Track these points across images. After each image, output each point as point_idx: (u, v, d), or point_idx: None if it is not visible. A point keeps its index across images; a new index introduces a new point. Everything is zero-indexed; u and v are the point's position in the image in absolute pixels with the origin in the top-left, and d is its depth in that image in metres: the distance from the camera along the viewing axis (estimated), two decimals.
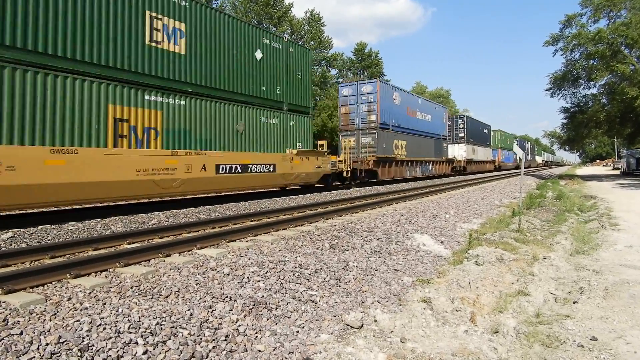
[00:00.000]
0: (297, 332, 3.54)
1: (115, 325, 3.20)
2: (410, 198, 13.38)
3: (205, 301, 3.88)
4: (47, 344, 2.87)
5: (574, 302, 4.38)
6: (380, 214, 9.51)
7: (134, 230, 6.97)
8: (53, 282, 4.22)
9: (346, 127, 23.00)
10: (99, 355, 2.82)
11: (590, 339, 3.48)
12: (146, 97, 10.03)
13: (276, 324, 3.63)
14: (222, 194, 14.25)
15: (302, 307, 4.02)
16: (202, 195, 13.28)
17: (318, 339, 3.45)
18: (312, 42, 48.10)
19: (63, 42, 8.47)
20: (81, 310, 3.51)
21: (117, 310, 3.49)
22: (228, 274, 4.65)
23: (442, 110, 32.81)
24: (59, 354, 2.78)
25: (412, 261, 6.06)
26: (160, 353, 2.93)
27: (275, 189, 16.51)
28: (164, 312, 3.53)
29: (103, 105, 9.07)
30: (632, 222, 9.12)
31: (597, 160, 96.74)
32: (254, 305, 3.89)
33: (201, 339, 3.18)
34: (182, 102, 10.92)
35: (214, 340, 3.20)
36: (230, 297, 4.00)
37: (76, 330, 3.10)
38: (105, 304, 3.67)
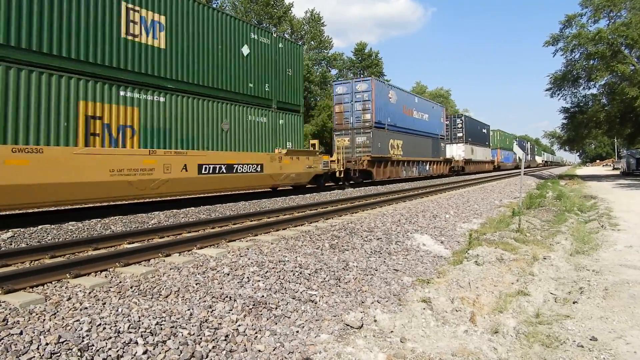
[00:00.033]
0: (297, 332, 3.54)
1: (115, 325, 3.20)
2: (410, 198, 13.38)
3: (205, 301, 3.88)
4: (47, 344, 2.87)
5: (573, 302, 4.38)
6: (380, 214, 9.51)
7: (134, 230, 6.97)
8: (53, 282, 4.22)
9: (340, 127, 22.48)
10: (98, 355, 2.82)
11: (590, 339, 3.48)
12: (122, 93, 9.48)
13: (276, 323, 3.63)
14: (208, 195, 13.69)
15: (302, 307, 4.02)
16: (184, 197, 12.80)
17: (318, 338, 3.45)
18: (312, 42, 48.12)
19: (28, 33, 7.90)
20: (81, 310, 3.51)
21: (117, 310, 3.49)
22: (228, 274, 4.65)
23: (440, 110, 32.39)
24: (58, 354, 2.78)
25: (412, 261, 6.06)
26: (160, 353, 2.93)
27: (263, 190, 16.04)
28: (164, 312, 3.53)
29: (73, 101, 8.51)
30: (632, 222, 9.12)
31: (597, 161, 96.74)
32: (253, 305, 3.89)
33: (201, 338, 3.18)
34: (162, 99, 10.38)
35: (213, 340, 3.20)
36: (230, 297, 4.00)
37: (76, 330, 3.10)
38: (105, 303, 3.67)
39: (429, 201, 12.77)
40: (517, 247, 6.69)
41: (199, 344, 3.11)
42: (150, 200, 12.78)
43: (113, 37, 9.40)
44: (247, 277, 4.59)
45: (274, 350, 3.20)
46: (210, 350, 3.06)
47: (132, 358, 2.85)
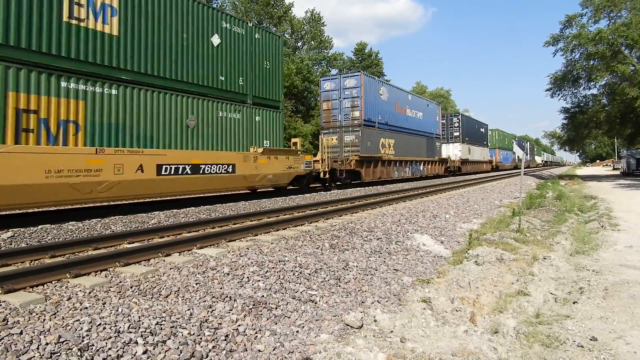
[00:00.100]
0: (297, 331, 3.54)
1: (115, 325, 3.20)
2: (410, 198, 13.38)
3: (205, 301, 3.88)
4: (47, 344, 2.87)
5: (573, 302, 4.38)
6: (380, 214, 9.51)
7: (134, 230, 6.97)
8: (53, 282, 4.22)
9: (328, 125, 21.30)
10: (98, 355, 2.82)
11: (590, 339, 3.48)
12: (63, 84, 8.43)
13: (276, 323, 3.63)
14: (171, 198, 12.78)
15: (302, 306, 4.02)
16: (141, 200, 11.87)
17: (318, 338, 3.45)
18: (312, 42, 48.12)
19: None
20: (81, 309, 3.51)
21: (117, 310, 3.49)
22: (228, 274, 4.65)
23: (435, 108, 31.49)
24: (58, 354, 2.78)
25: (412, 261, 6.06)
26: (160, 353, 2.93)
27: (238, 192, 15.16)
28: (164, 312, 3.53)
29: (0, 92, 7.57)
30: (632, 223, 9.12)
31: (597, 161, 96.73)
32: (253, 305, 3.89)
33: (201, 338, 3.18)
34: (114, 92, 9.35)
35: (213, 340, 3.20)
36: (230, 297, 4.00)
37: (76, 329, 3.10)
38: (105, 303, 3.67)
39: (429, 201, 12.77)
40: (517, 247, 6.69)
41: (199, 344, 3.11)
42: (150, 200, 12.76)
43: (52, 21, 8.31)
44: (247, 277, 4.59)
45: (274, 350, 3.20)
46: (210, 350, 3.06)
47: (132, 358, 2.85)
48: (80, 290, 3.99)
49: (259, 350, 3.17)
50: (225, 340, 3.22)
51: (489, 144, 46.41)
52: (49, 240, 6.52)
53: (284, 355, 3.14)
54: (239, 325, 3.48)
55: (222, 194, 14.65)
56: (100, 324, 3.20)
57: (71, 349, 2.83)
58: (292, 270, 4.91)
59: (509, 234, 7.66)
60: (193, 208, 10.54)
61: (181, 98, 10.95)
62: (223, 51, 12.27)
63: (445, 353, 3.22)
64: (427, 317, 3.93)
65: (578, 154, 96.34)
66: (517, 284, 5.06)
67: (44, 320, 3.27)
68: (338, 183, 19.21)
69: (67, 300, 3.73)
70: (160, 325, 3.28)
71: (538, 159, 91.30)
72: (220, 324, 3.46)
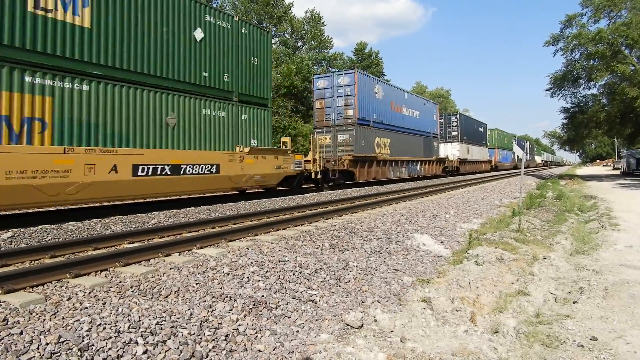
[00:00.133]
0: (297, 331, 3.54)
1: (115, 325, 3.20)
2: (410, 198, 13.39)
3: (205, 301, 3.88)
4: (47, 344, 2.87)
5: (574, 302, 4.38)
6: (380, 214, 9.51)
7: (134, 230, 6.97)
8: (53, 282, 4.22)
9: (321, 124, 20.71)
10: (98, 355, 2.82)
11: (590, 339, 3.48)
12: (27, 79, 7.91)
13: (276, 323, 3.63)
14: (152, 200, 12.09)
15: (302, 306, 4.02)
16: (118, 202, 11.09)
17: (318, 338, 3.45)
18: (312, 42, 48.11)
19: None
20: (81, 309, 3.51)
21: (117, 310, 3.49)
22: (228, 274, 4.65)
23: (433, 107, 30.95)
24: (58, 354, 2.78)
25: (412, 261, 6.07)
26: (160, 353, 2.93)
27: (225, 194, 14.52)
28: (164, 312, 3.53)
29: None
30: (632, 222, 9.12)
31: (597, 161, 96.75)
32: (253, 304, 3.89)
33: (201, 338, 3.18)
34: (86, 87, 8.79)
35: (213, 339, 3.20)
36: (230, 297, 4.00)
37: (76, 329, 3.10)
38: (105, 303, 3.67)
39: (428, 201, 12.78)
40: (517, 247, 6.69)
41: (199, 344, 3.11)
42: (150, 200, 12.75)
43: (16, 11, 7.81)
44: (247, 277, 4.59)
45: (274, 350, 3.20)
46: (210, 350, 3.06)
47: (132, 358, 2.85)
48: (80, 290, 3.99)
49: (259, 350, 3.17)
50: (225, 340, 3.22)
51: (488, 144, 46.03)
52: (49, 240, 6.52)
53: (284, 355, 3.14)
54: (239, 325, 3.48)
55: (221, 194, 14.60)
56: (100, 324, 3.20)
57: (71, 349, 2.83)
58: (292, 270, 4.91)
59: (509, 233, 7.66)
60: (193, 208, 10.54)
61: (160, 95, 10.39)
62: (206, 46, 11.69)
63: (446, 353, 3.22)
64: (427, 317, 3.93)
65: (578, 153, 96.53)
66: (517, 284, 5.06)
67: (44, 320, 3.27)
68: (331, 184, 18.63)
69: (67, 300, 3.73)
70: (160, 325, 3.28)
71: (538, 159, 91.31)
72: (220, 323, 3.46)
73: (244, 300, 3.96)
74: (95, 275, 4.56)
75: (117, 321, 3.27)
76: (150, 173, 9.75)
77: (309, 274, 4.88)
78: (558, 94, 29.77)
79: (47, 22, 8.23)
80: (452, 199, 13.44)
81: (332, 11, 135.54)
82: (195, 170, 10.91)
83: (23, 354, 2.75)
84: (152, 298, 3.88)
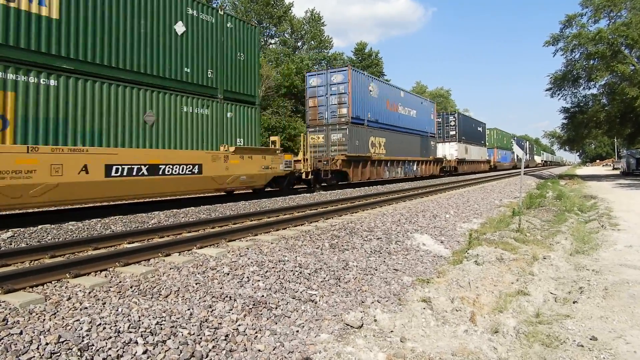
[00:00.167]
0: (297, 331, 3.54)
1: (115, 325, 3.20)
2: (410, 198, 13.39)
3: (205, 301, 3.88)
4: (46, 344, 2.87)
5: (573, 302, 4.38)
6: (380, 214, 9.51)
7: (134, 230, 6.97)
8: (53, 282, 4.22)
9: (314, 122, 20.13)
10: (98, 355, 2.81)
11: (590, 339, 3.48)
12: None
13: (276, 323, 3.63)
14: (128, 201, 11.52)
15: (302, 306, 4.02)
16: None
17: (318, 338, 3.45)
18: (312, 42, 48.12)
19: None
20: (81, 309, 3.51)
21: (117, 310, 3.49)
22: (228, 274, 4.65)
23: (430, 106, 30.40)
24: (58, 354, 2.77)
25: (412, 261, 6.07)
26: (160, 352, 2.93)
27: (212, 195, 13.92)
28: (164, 312, 3.53)
29: None
30: (632, 222, 9.12)
31: (597, 160, 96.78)
32: (253, 304, 3.89)
33: (201, 338, 3.18)
34: (53, 82, 8.26)
35: (213, 339, 3.20)
36: (230, 297, 4.00)
37: (76, 329, 3.10)
38: (105, 303, 3.67)
39: (428, 201, 12.78)
40: (517, 247, 6.69)
41: (199, 344, 3.11)
42: (149, 200, 12.75)
43: None
44: (247, 277, 4.59)
45: (274, 349, 3.20)
46: (210, 350, 3.06)
47: (132, 358, 2.85)
48: (80, 290, 3.99)
49: (259, 350, 3.17)
50: (225, 340, 3.22)
51: (487, 144, 45.67)
52: (48, 240, 6.52)
53: (284, 355, 3.14)
54: (239, 325, 3.48)
55: (222, 194, 14.58)
56: (100, 324, 3.20)
57: (71, 349, 2.83)
58: (292, 270, 4.91)
59: (509, 233, 7.66)
60: (193, 208, 10.54)
61: (137, 91, 9.81)
62: (189, 40, 11.15)
63: (445, 353, 3.22)
64: (427, 316, 3.93)
65: (578, 153, 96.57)
66: (517, 284, 5.06)
67: (44, 320, 3.27)
68: (323, 184, 18.08)
69: (67, 300, 3.73)
70: (160, 325, 3.28)
71: (537, 159, 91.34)
72: (220, 323, 3.46)
73: (243, 300, 3.96)
74: (95, 275, 4.56)
75: (117, 321, 3.27)
76: (125, 173, 9.23)
77: (309, 274, 4.88)
78: (558, 94, 29.82)
79: (8, 12, 7.75)
80: (452, 199, 13.44)
81: (332, 11, 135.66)
82: (176, 171, 10.39)
83: (23, 354, 2.74)
84: (152, 298, 3.88)
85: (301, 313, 3.89)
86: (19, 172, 7.52)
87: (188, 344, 3.06)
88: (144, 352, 2.91)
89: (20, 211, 9.35)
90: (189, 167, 10.74)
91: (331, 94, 19.86)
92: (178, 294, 3.99)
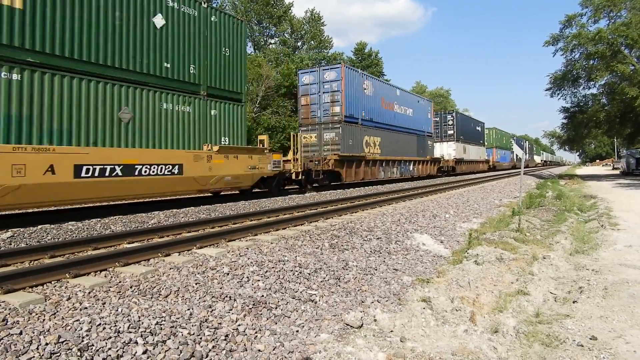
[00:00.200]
0: (297, 331, 3.54)
1: (115, 325, 3.20)
2: (410, 198, 13.39)
3: (204, 301, 3.88)
4: (46, 344, 2.87)
5: (573, 302, 4.38)
6: (380, 214, 9.51)
7: (134, 230, 6.97)
8: (52, 282, 4.22)
9: (307, 121, 19.57)
10: (98, 355, 2.81)
11: (590, 339, 3.48)
12: None
13: (276, 323, 3.63)
14: (105, 203, 10.90)
15: (301, 306, 4.02)
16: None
17: (318, 338, 3.45)
18: (312, 42, 48.12)
19: None
20: (81, 309, 3.51)
21: (117, 310, 3.49)
22: (228, 274, 4.65)
23: (427, 104, 29.76)
24: (58, 354, 2.77)
25: (411, 261, 6.07)
26: (160, 352, 2.93)
27: (197, 196, 13.24)
28: (164, 312, 3.53)
29: None
30: (631, 222, 9.13)
31: (597, 160, 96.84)
32: (253, 304, 3.89)
33: (201, 338, 3.18)
34: (16, 76, 7.76)
35: (213, 339, 3.20)
36: (230, 297, 4.00)
37: (76, 330, 3.10)
38: (104, 303, 3.67)
39: (428, 201, 12.78)
40: (517, 247, 6.69)
41: (199, 344, 3.11)
42: (149, 200, 12.75)
43: None
44: (247, 277, 4.59)
45: (273, 349, 3.20)
46: (210, 350, 3.06)
47: (132, 358, 2.85)
48: (80, 290, 3.99)
49: (259, 350, 3.17)
50: (225, 340, 3.22)
51: (486, 143, 45.20)
52: (48, 240, 6.52)
53: (284, 355, 3.14)
54: (239, 325, 3.48)
55: (223, 194, 14.57)
56: (100, 324, 3.20)
57: (71, 349, 2.83)
58: (291, 270, 4.91)
59: (508, 233, 7.66)
60: (193, 208, 10.54)
61: (112, 87, 9.28)
62: (169, 34, 10.62)
63: (445, 352, 3.22)
64: (427, 316, 3.93)
65: (578, 153, 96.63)
66: (517, 284, 5.06)
67: (44, 320, 3.26)
68: (315, 185, 17.53)
69: (67, 300, 3.73)
70: (160, 325, 3.28)
71: (537, 159, 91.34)
72: (220, 323, 3.46)
73: (243, 300, 3.96)
74: (95, 275, 4.56)
75: (116, 321, 3.27)
76: (97, 174, 8.66)
77: (309, 274, 4.88)
78: (558, 94, 29.84)
79: None
80: (451, 199, 13.44)
81: (332, 11, 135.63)
82: (153, 171, 9.82)
83: (22, 354, 2.74)
84: (151, 298, 3.88)
85: (301, 313, 3.89)
86: None
87: (188, 344, 3.06)
88: (144, 352, 2.91)
89: (20, 211, 9.34)
90: (169, 168, 10.22)
91: (324, 92, 19.32)
92: (178, 294, 3.99)
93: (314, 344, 3.34)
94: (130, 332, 3.12)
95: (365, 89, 20.91)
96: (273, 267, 4.93)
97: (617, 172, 38.84)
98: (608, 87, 27.46)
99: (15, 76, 7.79)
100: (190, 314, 3.55)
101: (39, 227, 7.45)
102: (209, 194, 13.63)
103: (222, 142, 12.06)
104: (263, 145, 13.89)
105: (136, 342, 3.00)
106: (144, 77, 10.04)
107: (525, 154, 63.38)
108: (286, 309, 3.90)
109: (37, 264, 4.95)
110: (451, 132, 34.87)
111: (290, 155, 15.81)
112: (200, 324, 3.39)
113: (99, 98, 9.06)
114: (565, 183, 24.24)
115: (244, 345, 3.21)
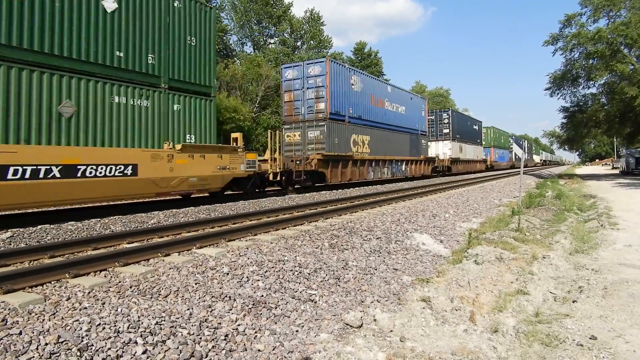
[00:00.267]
0: (297, 331, 3.54)
1: (115, 325, 3.20)
2: (409, 197, 13.40)
3: (204, 301, 3.88)
4: (46, 344, 2.87)
5: (573, 301, 4.38)
6: (379, 214, 9.51)
7: (133, 230, 6.97)
8: (52, 282, 4.22)
9: (290, 119, 18.40)
10: (98, 355, 2.81)
11: (590, 338, 3.48)
12: None
13: (275, 323, 3.63)
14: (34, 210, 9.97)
15: (301, 306, 4.02)
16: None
17: (317, 338, 3.45)
18: (311, 42, 48.12)
19: None
20: (80, 310, 3.51)
21: (117, 310, 3.48)
22: (227, 274, 4.65)
23: (421, 102, 28.62)
24: (58, 354, 2.77)
25: (411, 260, 6.07)
26: (159, 352, 2.93)
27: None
28: (164, 312, 3.53)
29: None
30: (631, 222, 9.13)
31: (597, 160, 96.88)
32: (253, 304, 3.88)
33: (200, 338, 3.18)
34: None
35: (213, 339, 3.20)
36: (230, 297, 4.00)
37: (75, 330, 3.10)
38: (104, 303, 3.67)
39: (428, 200, 12.78)
40: (517, 246, 6.69)
41: (199, 344, 3.11)
42: (149, 200, 12.72)
43: None
44: (247, 277, 4.59)
45: (273, 349, 3.20)
46: (209, 350, 3.06)
47: (131, 358, 2.85)
48: (80, 291, 3.99)
49: (259, 350, 3.17)
50: (224, 340, 3.22)
51: (484, 143, 44.38)
52: (48, 240, 6.52)
53: (284, 354, 3.14)
54: (239, 325, 3.48)
55: (225, 194, 14.46)
56: (99, 324, 3.20)
57: (70, 349, 2.83)
58: (291, 270, 4.91)
59: (508, 233, 7.67)
60: (192, 208, 10.54)
61: (50, 77, 8.17)
62: (122, 19, 9.50)
63: (445, 352, 3.22)
64: (426, 316, 3.94)
65: (577, 153, 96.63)
66: (517, 283, 5.06)
67: (43, 320, 3.26)
68: (297, 186, 16.57)
69: (67, 300, 3.73)
70: (160, 325, 3.28)
71: (536, 158, 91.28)
72: (219, 323, 3.46)
73: (243, 300, 3.96)
74: (95, 275, 4.56)
75: (116, 321, 3.27)
76: (27, 176, 7.55)
77: (309, 274, 4.88)
78: (557, 94, 29.86)
79: None
80: (451, 199, 13.45)
81: (332, 11, 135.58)
82: (101, 172, 8.73)
83: (22, 354, 2.74)
84: (151, 298, 3.88)
85: (301, 313, 3.89)
86: None
87: (188, 344, 3.06)
88: (144, 352, 2.90)
89: (20, 211, 9.34)
90: (120, 168, 9.11)
91: (308, 88, 18.11)
92: (177, 294, 3.99)
93: (314, 344, 3.34)
94: (130, 332, 3.11)
95: (353, 84, 19.81)
96: (273, 267, 4.93)
97: (617, 171, 38.87)
98: (607, 86, 27.48)
99: None
100: (190, 314, 3.55)
101: (39, 227, 7.45)
102: (178, 197, 12.51)
103: (187, 140, 11.03)
104: (236, 144, 12.82)
105: (136, 342, 3.00)
106: (90, 67, 8.90)
107: (525, 153, 63.38)
108: (286, 309, 3.90)
109: (37, 264, 4.95)
110: (447, 130, 33.91)
111: (267, 155, 14.83)
112: (200, 324, 3.39)
113: (33, 90, 7.94)
114: (565, 182, 24.25)
115: (244, 345, 3.21)
